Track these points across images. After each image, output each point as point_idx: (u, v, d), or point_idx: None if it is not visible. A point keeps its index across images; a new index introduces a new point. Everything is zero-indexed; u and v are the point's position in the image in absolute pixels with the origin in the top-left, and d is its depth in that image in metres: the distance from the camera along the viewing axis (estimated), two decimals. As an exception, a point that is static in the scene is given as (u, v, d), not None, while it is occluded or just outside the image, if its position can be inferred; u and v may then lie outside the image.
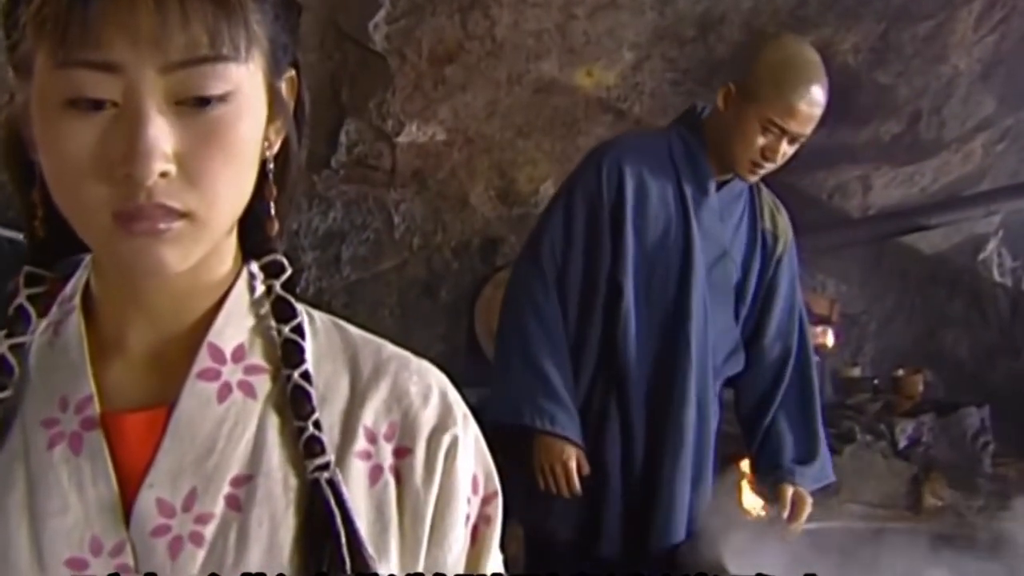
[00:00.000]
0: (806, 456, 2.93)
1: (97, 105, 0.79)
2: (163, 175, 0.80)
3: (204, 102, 0.81)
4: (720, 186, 2.83)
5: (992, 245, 5.44)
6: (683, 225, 2.79)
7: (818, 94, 2.66)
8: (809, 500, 2.89)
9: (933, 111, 4.67)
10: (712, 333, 2.85)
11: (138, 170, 0.78)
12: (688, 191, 2.79)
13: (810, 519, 3.01)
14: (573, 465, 2.70)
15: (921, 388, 4.70)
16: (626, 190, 2.75)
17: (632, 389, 2.78)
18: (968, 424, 4.67)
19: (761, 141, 2.68)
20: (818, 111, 2.67)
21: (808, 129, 2.68)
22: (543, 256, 2.76)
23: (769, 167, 2.73)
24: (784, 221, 2.95)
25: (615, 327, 2.76)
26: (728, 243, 2.87)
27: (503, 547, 1.00)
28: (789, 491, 2.86)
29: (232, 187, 0.85)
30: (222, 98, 0.81)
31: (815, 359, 3.07)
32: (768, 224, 2.92)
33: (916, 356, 5.08)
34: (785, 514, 2.84)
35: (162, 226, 0.81)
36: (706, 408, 2.81)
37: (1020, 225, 5.38)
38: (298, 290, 0.97)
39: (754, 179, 2.79)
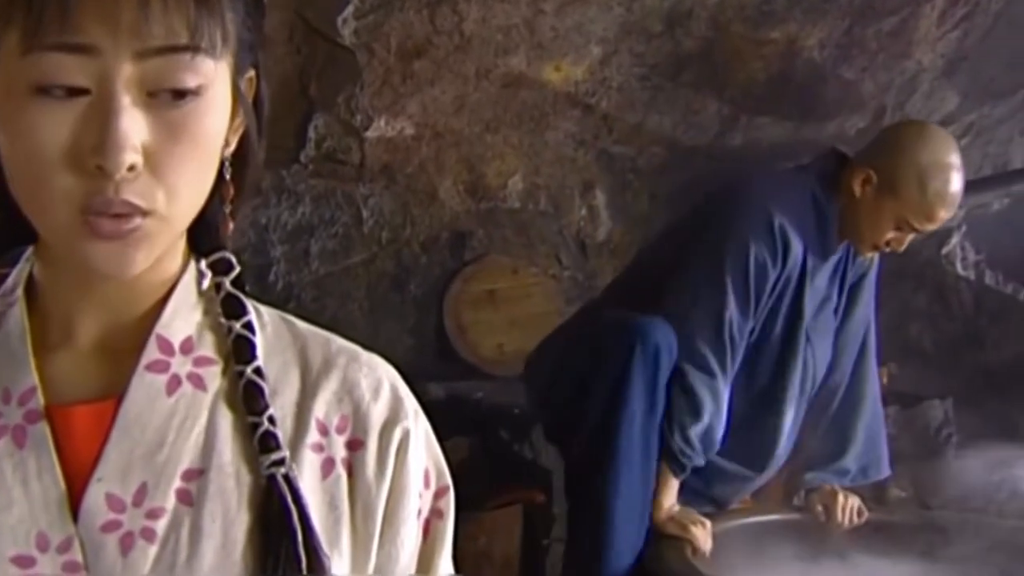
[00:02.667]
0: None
1: (68, 92, 0.78)
2: (131, 168, 0.79)
3: (178, 95, 0.81)
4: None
5: (956, 239, 5.47)
6: (796, 292, 2.75)
7: (958, 197, 2.63)
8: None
9: (897, 106, 4.70)
10: (817, 366, 2.89)
11: (109, 161, 0.78)
12: (810, 258, 2.75)
13: (775, 511, 3.05)
14: None
15: (885, 380, 4.73)
16: (788, 261, 2.70)
17: None
18: (931, 416, 4.73)
19: (891, 234, 2.65)
20: (952, 212, 2.63)
21: (937, 226, 2.67)
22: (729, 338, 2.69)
23: (886, 251, 2.71)
24: None
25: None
26: (828, 292, 2.87)
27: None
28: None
29: (194, 183, 0.84)
30: (195, 92, 0.81)
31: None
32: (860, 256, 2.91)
33: (880, 349, 5.12)
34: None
35: (127, 226, 0.80)
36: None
37: (983, 220, 5.42)
38: (267, 284, 0.97)
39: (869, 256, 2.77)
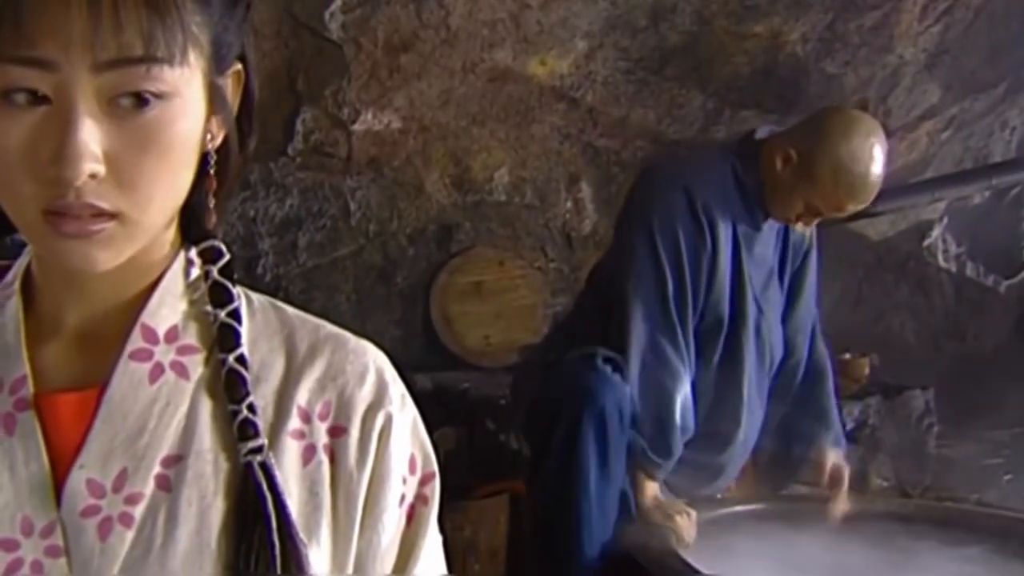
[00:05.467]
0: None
1: (31, 100, 0.79)
2: (92, 176, 0.79)
3: (138, 103, 0.80)
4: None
5: (937, 232, 5.51)
6: (735, 265, 2.78)
7: (872, 191, 2.66)
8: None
9: (879, 100, 4.72)
10: (773, 340, 2.91)
11: (66, 171, 0.78)
12: (741, 230, 2.78)
13: (759, 500, 3.08)
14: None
15: (867, 371, 4.77)
16: (718, 231, 2.72)
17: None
18: (913, 406, 4.76)
19: (801, 210, 2.69)
20: (861, 205, 2.69)
21: (850, 212, 2.72)
22: (668, 302, 2.72)
23: (804, 226, 2.75)
24: None
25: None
26: (773, 262, 2.89)
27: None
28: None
29: (165, 189, 0.84)
30: (157, 97, 0.81)
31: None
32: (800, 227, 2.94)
33: (863, 340, 5.13)
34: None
35: (92, 227, 0.81)
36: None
37: (964, 212, 5.46)
38: (255, 276, 0.97)
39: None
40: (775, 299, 2.93)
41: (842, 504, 3.00)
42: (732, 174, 2.78)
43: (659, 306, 2.70)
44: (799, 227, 2.79)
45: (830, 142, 2.69)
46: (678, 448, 2.75)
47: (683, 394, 2.73)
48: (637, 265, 2.74)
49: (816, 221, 2.75)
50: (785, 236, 2.93)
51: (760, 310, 2.86)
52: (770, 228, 2.86)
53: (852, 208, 2.68)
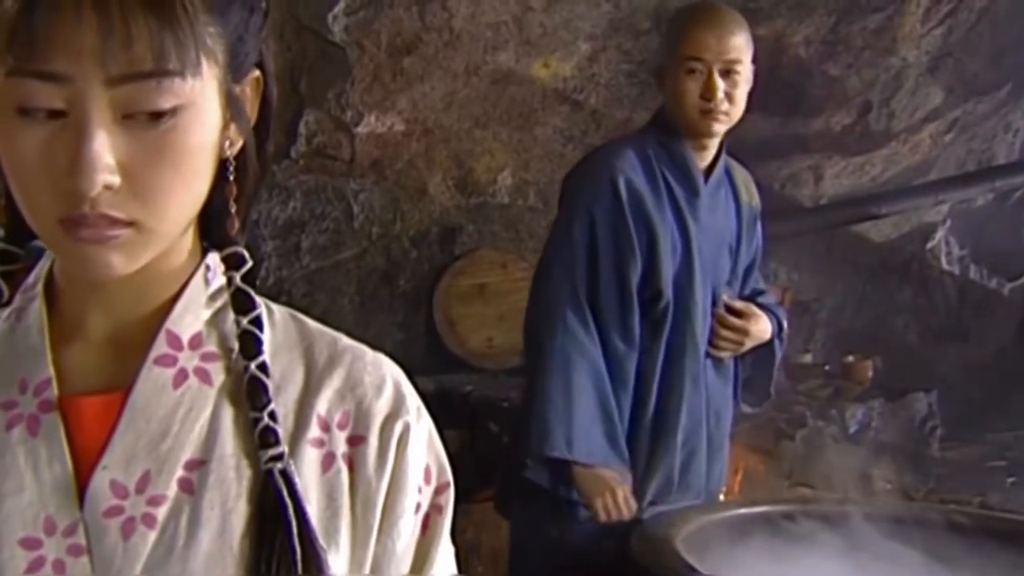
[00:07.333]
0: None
1: (48, 114, 0.80)
2: (107, 187, 0.80)
3: (153, 116, 0.81)
4: (706, 177, 2.83)
5: (940, 234, 5.52)
6: (682, 232, 2.77)
7: (720, 23, 2.65)
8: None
9: (883, 103, 4.74)
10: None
11: (81, 183, 0.79)
12: (681, 195, 2.78)
13: (761, 503, 3.07)
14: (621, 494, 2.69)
15: (871, 374, 4.78)
16: (647, 209, 2.72)
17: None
18: (916, 409, 4.76)
19: (692, 86, 2.68)
20: (730, 39, 2.64)
21: (729, 55, 2.63)
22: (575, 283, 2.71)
23: (723, 108, 2.67)
24: (752, 184, 2.95)
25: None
26: (724, 232, 2.87)
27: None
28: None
29: (180, 198, 0.85)
30: (171, 111, 0.81)
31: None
32: (745, 196, 2.93)
33: (866, 342, 5.15)
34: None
35: (108, 233, 0.82)
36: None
37: (967, 214, 5.47)
38: (258, 280, 0.97)
39: (719, 127, 2.73)
40: (729, 268, 2.91)
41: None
42: (656, 142, 2.79)
43: (569, 287, 2.71)
44: (718, 119, 2.71)
45: (672, 19, 2.86)
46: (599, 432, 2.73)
47: (599, 377, 2.71)
48: (552, 250, 2.77)
49: (718, 87, 2.69)
50: (737, 208, 2.91)
51: (710, 284, 2.83)
52: (714, 194, 2.83)
53: (713, 41, 2.66)
